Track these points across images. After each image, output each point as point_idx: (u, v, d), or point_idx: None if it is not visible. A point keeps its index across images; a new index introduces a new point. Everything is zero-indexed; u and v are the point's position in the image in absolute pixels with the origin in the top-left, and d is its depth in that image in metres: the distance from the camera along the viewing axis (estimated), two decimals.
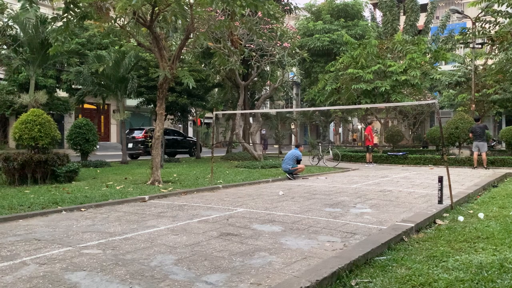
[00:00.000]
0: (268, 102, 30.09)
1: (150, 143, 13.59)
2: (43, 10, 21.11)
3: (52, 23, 10.33)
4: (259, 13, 12.20)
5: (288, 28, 18.75)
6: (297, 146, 13.33)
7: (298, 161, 12.15)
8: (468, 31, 13.73)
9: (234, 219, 6.04)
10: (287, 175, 11.97)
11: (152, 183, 9.85)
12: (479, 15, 13.36)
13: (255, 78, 20.95)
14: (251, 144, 19.47)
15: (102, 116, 32.56)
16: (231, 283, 3.45)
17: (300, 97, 34.04)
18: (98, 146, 19.24)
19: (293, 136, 37.06)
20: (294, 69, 23.60)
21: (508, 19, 12.82)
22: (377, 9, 36.11)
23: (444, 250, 4.36)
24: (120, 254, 4.27)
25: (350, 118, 37.28)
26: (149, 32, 9.94)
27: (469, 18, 17.71)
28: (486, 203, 7.39)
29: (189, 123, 35.40)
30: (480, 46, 21.00)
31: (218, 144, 36.10)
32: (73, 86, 21.66)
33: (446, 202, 7.00)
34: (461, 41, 16.71)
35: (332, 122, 35.36)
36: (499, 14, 12.54)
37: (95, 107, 30.61)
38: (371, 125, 19.62)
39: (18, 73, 19.57)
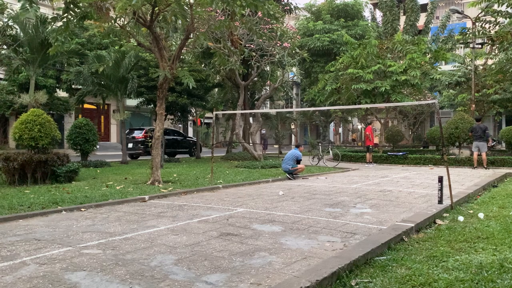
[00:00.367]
0: (268, 102, 30.09)
1: (150, 143, 13.59)
2: (43, 10, 21.12)
3: (52, 23, 10.30)
4: (259, 13, 12.21)
5: (288, 28, 18.75)
6: (297, 146, 13.33)
7: (298, 161, 12.15)
8: (468, 31, 13.73)
9: (234, 219, 6.04)
10: (287, 175, 11.97)
11: (152, 183, 9.85)
12: (479, 15, 13.36)
13: (255, 78, 20.95)
14: (251, 144, 19.47)
15: (102, 116, 32.56)
16: (231, 283, 3.45)
17: (300, 97, 34.04)
18: (98, 146, 19.24)
19: (293, 136, 37.07)
20: (294, 69, 23.59)
21: (508, 19, 12.83)
22: (377, 9, 36.10)
23: (444, 250, 4.36)
24: (120, 254, 4.27)
25: (350, 118, 37.29)
26: (149, 32, 9.94)
27: (469, 18, 17.71)
28: (486, 203, 7.39)
29: (189, 123, 35.40)
30: (480, 46, 21.01)
31: (218, 144, 36.10)
32: (73, 86, 21.67)
33: (446, 202, 7.00)
34: (461, 41, 16.72)
35: (332, 122, 35.36)
36: (499, 14, 12.54)
37: (95, 107, 30.61)
38: (371, 125, 19.62)
39: (18, 73, 19.57)
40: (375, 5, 36.45)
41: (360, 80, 17.95)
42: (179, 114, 20.87)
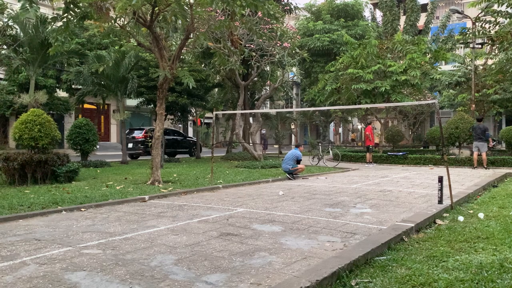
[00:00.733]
0: (268, 102, 30.10)
1: (150, 143, 13.59)
2: (43, 10, 21.11)
3: (52, 23, 10.30)
4: (259, 13, 12.20)
5: (288, 28, 18.74)
6: (297, 146, 13.32)
7: (298, 161, 12.15)
8: (468, 31, 13.73)
9: (234, 219, 6.04)
10: (287, 175, 11.97)
11: (152, 183, 9.84)
12: (479, 15, 13.37)
13: (255, 78, 20.95)
14: (251, 144, 19.48)
15: (102, 116, 32.56)
16: (231, 283, 3.45)
17: (300, 97, 34.05)
18: (98, 146, 19.23)
19: (293, 136, 37.07)
20: (294, 69, 23.60)
21: (508, 19, 12.82)
22: (377, 9, 36.11)
23: (444, 250, 4.36)
24: (120, 254, 4.27)
25: (350, 118, 37.29)
26: (149, 32, 9.94)
27: (469, 18, 17.71)
28: (486, 203, 7.39)
29: (189, 123, 35.39)
30: (480, 46, 21.01)
31: (218, 144, 36.09)
32: (73, 86, 21.68)
33: (446, 202, 7.00)
34: (461, 41, 16.71)
35: (332, 122, 35.37)
36: (499, 14, 12.54)
37: (95, 107, 30.61)
38: (371, 125, 19.61)
39: (18, 73, 19.57)
40: (375, 5, 36.45)
41: (360, 80, 17.95)
42: (179, 114, 20.87)
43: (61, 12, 8.97)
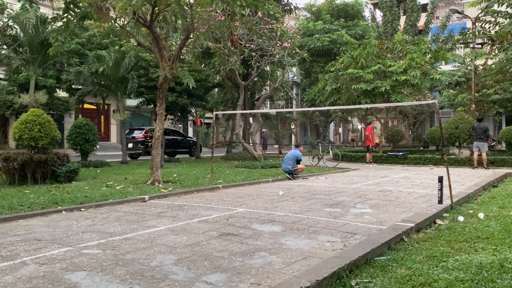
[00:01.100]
0: (268, 102, 30.09)
1: (150, 143, 13.59)
2: (43, 10, 21.12)
3: (52, 23, 10.31)
4: (259, 13, 12.21)
5: (288, 28, 18.74)
6: (297, 146, 13.32)
7: (298, 161, 12.15)
8: (468, 31, 13.74)
9: (234, 219, 6.04)
10: (287, 175, 11.97)
11: (152, 183, 9.85)
12: (479, 15, 13.37)
13: (255, 78, 20.95)
14: (251, 144, 19.48)
15: (102, 116, 32.56)
16: (231, 283, 3.45)
17: (300, 97, 34.04)
18: (98, 146, 19.24)
19: (293, 136, 37.07)
20: (294, 69, 23.60)
21: (508, 19, 12.83)
22: (377, 9, 36.11)
23: (444, 250, 4.36)
24: (120, 254, 4.27)
25: (350, 118, 37.29)
26: (149, 32, 9.94)
27: (469, 18, 17.71)
28: (486, 203, 7.39)
29: (189, 123, 35.40)
30: (480, 46, 21.00)
31: (218, 144, 36.10)
32: (73, 86, 21.67)
33: (446, 202, 7.00)
34: (461, 41, 16.70)
35: (332, 122, 35.36)
36: (499, 14, 12.55)
37: (95, 107, 30.61)
38: (371, 125, 19.61)
39: (18, 73, 19.57)
40: (375, 5, 36.46)
41: (360, 80, 17.95)
42: (179, 114, 20.87)
43: (61, 12, 8.97)
